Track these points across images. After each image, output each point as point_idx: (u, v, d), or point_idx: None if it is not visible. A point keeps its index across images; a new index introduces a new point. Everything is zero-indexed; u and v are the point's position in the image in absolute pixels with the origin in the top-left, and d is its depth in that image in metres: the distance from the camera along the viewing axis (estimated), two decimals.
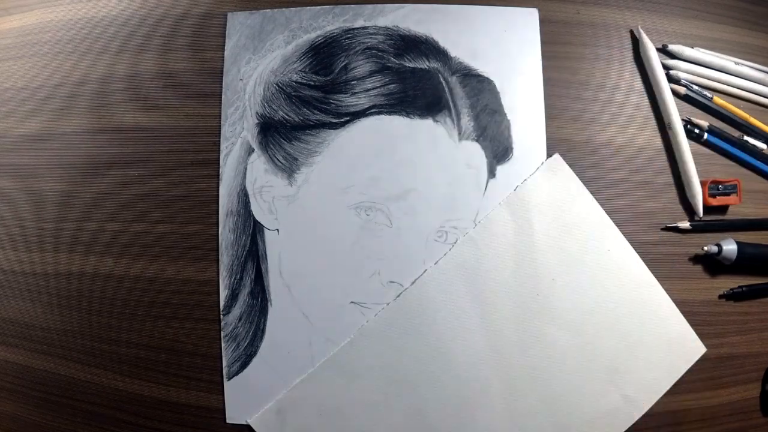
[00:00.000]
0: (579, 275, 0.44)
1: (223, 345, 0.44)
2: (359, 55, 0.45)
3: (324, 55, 0.46)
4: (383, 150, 0.45)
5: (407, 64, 0.45)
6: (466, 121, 0.45)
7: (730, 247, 0.44)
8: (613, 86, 0.47)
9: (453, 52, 0.46)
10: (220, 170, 0.45)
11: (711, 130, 0.46)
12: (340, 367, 0.43)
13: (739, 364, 0.46)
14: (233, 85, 0.46)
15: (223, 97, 0.46)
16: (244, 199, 0.45)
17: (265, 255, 0.45)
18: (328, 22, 0.46)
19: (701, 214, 0.45)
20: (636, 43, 0.47)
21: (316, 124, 0.45)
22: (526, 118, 0.45)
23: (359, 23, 0.46)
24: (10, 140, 0.49)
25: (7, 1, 0.51)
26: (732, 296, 0.46)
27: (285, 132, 0.45)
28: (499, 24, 0.46)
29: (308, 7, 0.46)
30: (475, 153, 0.45)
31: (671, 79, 0.46)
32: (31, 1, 0.50)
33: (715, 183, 0.45)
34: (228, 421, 0.44)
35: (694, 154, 0.45)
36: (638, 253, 0.45)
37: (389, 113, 0.45)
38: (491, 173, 0.45)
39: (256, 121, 0.45)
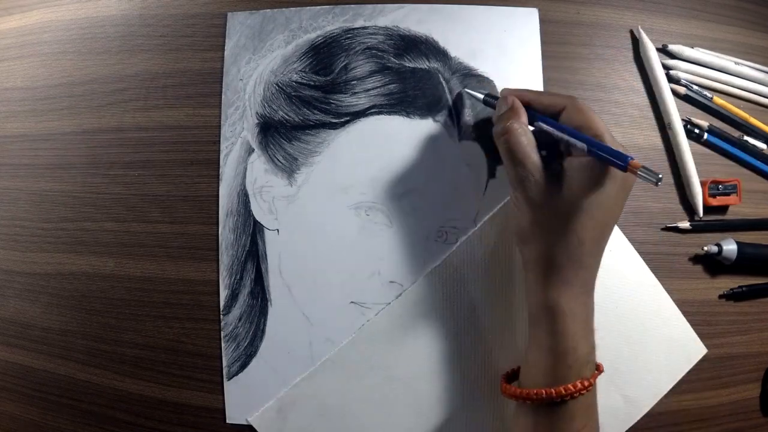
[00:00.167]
0: None
1: (223, 345, 0.44)
2: (359, 55, 0.45)
3: (324, 55, 0.46)
4: (383, 150, 0.45)
5: (407, 64, 0.45)
6: (466, 121, 0.45)
7: (730, 247, 0.44)
8: (613, 86, 0.47)
9: (453, 52, 0.46)
10: (220, 170, 0.45)
11: (711, 130, 0.46)
12: (341, 366, 0.43)
13: (739, 364, 0.46)
14: (233, 85, 0.46)
15: (223, 97, 0.46)
16: (244, 199, 0.45)
17: (265, 255, 0.45)
18: (328, 22, 0.46)
19: (701, 214, 0.45)
20: (636, 43, 0.47)
21: (316, 124, 0.45)
22: None
23: (359, 23, 0.46)
24: (10, 140, 0.49)
25: (7, 1, 0.51)
26: (732, 296, 0.46)
27: (285, 132, 0.45)
28: (499, 24, 0.46)
29: (308, 7, 0.46)
30: (475, 153, 0.45)
31: (671, 79, 0.46)
32: (31, 1, 0.50)
33: (715, 183, 0.45)
34: (228, 421, 0.44)
35: (694, 154, 0.45)
36: (638, 253, 0.45)
37: (389, 113, 0.45)
38: (491, 173, 0.45)
39: (256, 121, 0.45)
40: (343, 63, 0.45)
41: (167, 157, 0.46)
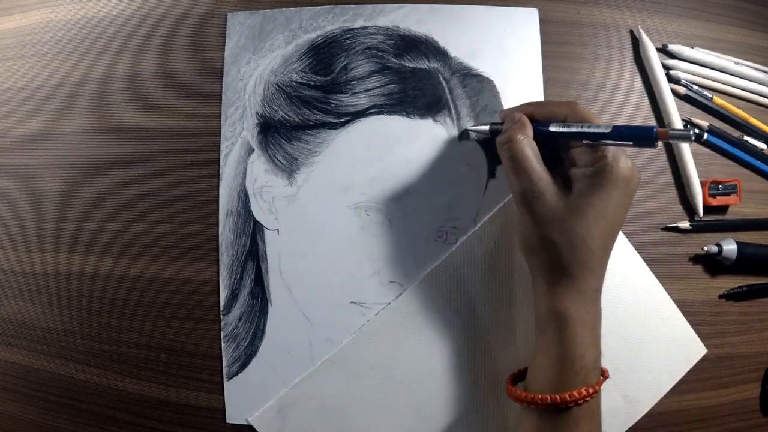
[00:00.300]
0: None
1: (223, 345, 0.44)
2: (359, 55, 0.45)
3: (324, 55, 0.46)
4: (383, 150, 0.45)
5: (407, 64, 0.45)
6: (466, 121, 0.45)
7: (730, 247, 0.44)
8: (613, 86, 0.47)
9: (453, 52, 0.46)
10: (220, 170, 0.45)
11: (711, 130, 0.46)
12: (341, 366, 0.43)
13: (739, 364, 0.46)
14: (233, 85, 0.46)
15: (223, 97, 0.46)
16: (244, 199, 0.45)
17: (265, 255, 0.45)
18: (328, 22, 0.46)
19: (701, 214, 0.45)
20: (636, 43, 0.47)
21: (316, 124, 0.45)
22: None
23: (359, 23, 0.46)
24: (10, 140, 0.49)
25: (7, 1, 0.51)
26: (732, 296, 0.46)
27: (285, 132, 0.45)
28: (499, 24, 0.46)
29: (308, 7, 0.46)
30: (475, 153, 0.45)
31: (671, 79, 0.46)
32: (31, 1, 0.50)
33: (715, 183, 0.45)
34: (228, 421, 0.44)
35: (694, 154, 0.45)
36: (638, 253, 0.45)
37: (389, 113, 0.45)
38: (491, 173, 0.45)
39: (256, 121, 0.45)
40: (343, 63, 0.45)
41: (167, 157, 0.46)
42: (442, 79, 0.45)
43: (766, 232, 0.47)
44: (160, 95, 0.47)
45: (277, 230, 0.45)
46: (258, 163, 0.45)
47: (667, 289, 0.45)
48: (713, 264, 0.46)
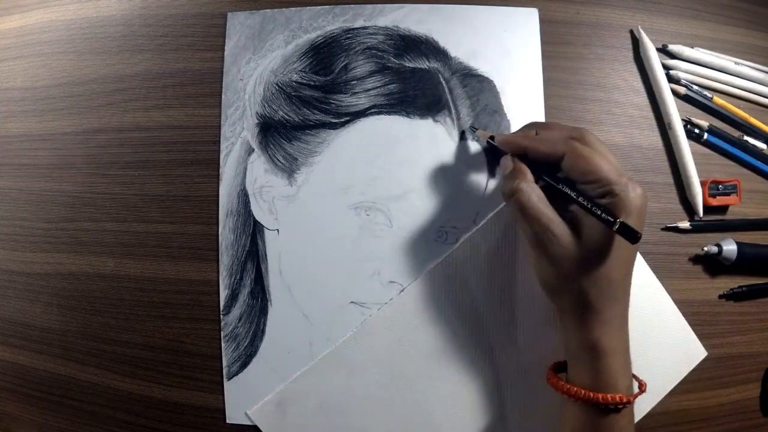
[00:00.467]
0: None
1: (223, 345, 0.44)
2: (359, 55, 0.45)
3: (324, 55, 0.46)
4: (383, 150, 0.45)
5: (407, 64, 0.45)
6: (466, 121, 0.45)
7: (730, 247, 0.44)
8: (613, 86, 0.47)
9: (453, 52, 0.46)
10: (220, 170, 0.45)
11: (711, 130, 0.46)
12: (340, 361, 0.43)
13: (739, 364, 0.46)
14: (233, 85, 0.46)
15: (223, 97, 0.46)
16: (244, 199, 0.45)
17: (265, 255, 0.45)
18: (328, 22, 0.46)
19: (701, 214, 0.45)
20: (636, 43, 0.47)
21: (316, 124, 0.45)
22: (526, 118, 0.45)
23: (359, 23, 0.46)
24: (10, 140, 0.49)
25: (7, 1, 0.51)
26: (732, 296, 0.46)
27: (285, 132, 0.45)
28: (499, 24, 0.46)
29: (308, 7, 0.46)
30: (475, 153, 0.45)
31: (671, 79, 0.46)
32: (31, 1, 0.50)
33: (715, 183, 0.45)
34: (228, 421, 0.44)
35: (694, 154, 0.45)
36: (638, 253, 0.45)
37: (389, 113, 0.45)
38: (491, 173, 0.45)
39: (256, 121, 0.45)
40: (343, 63, 0.45)
41: (167, 157, 0.46)
42: (442, 79, 0.45)
43: (766, 232, 0.47)
44: (160, 95, 0.47)
45: (277, 230, 0.45)
46: (258, 163, 0.45)
47: (667, 289, 0.45)
48: (713, 264, 0.46)
